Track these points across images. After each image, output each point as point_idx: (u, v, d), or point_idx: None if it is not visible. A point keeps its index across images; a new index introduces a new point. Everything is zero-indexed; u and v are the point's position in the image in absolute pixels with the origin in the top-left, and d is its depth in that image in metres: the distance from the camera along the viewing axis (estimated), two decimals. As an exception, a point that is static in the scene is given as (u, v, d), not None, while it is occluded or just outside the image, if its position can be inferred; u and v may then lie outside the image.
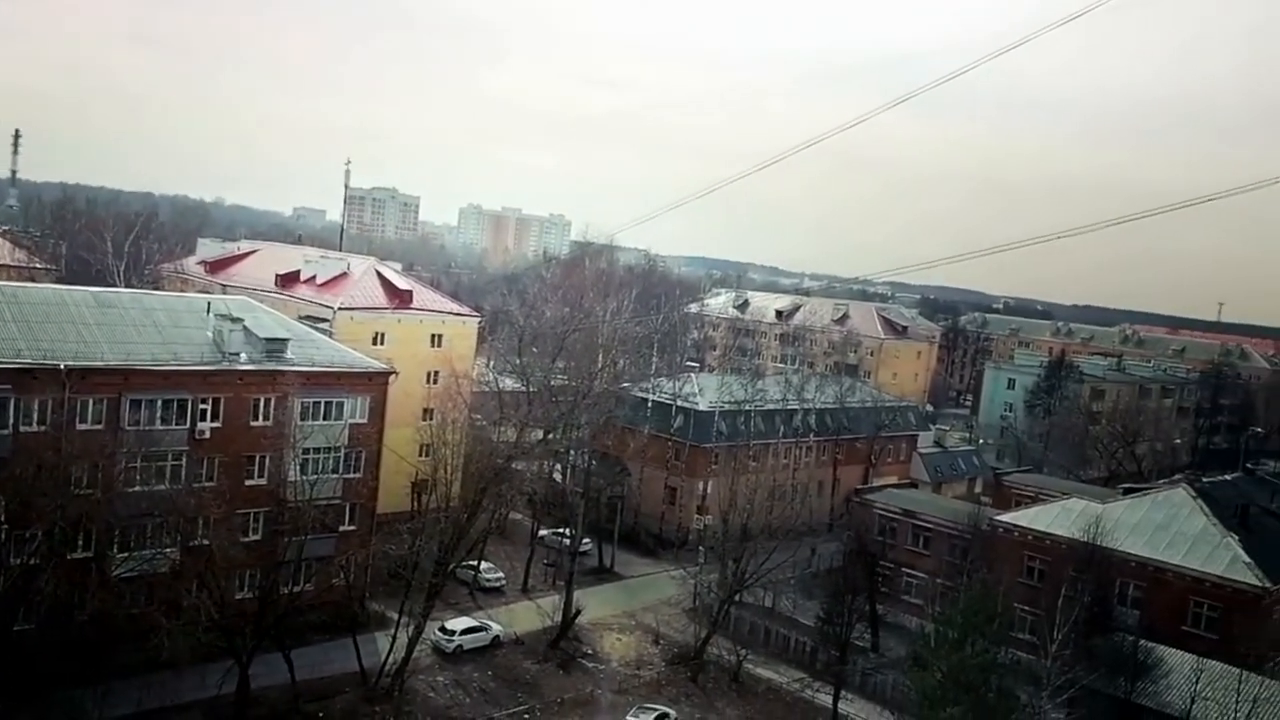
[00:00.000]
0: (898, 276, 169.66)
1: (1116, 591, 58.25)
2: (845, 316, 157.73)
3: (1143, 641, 52.72)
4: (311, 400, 54.98)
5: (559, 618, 62.05)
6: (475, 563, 66.16)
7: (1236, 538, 59.78)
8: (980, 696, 40.55)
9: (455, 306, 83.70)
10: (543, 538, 73.78)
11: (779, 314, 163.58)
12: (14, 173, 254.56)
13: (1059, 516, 63.75)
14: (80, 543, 46.60)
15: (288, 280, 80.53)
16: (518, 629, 61.89)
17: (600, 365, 73.48)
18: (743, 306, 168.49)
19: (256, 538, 52.92)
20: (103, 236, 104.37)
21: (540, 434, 71.09)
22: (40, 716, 42.89)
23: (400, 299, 77.54)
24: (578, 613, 62.45)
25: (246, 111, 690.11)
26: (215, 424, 52.03)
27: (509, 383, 76.57)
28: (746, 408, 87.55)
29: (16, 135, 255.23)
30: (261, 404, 53.77)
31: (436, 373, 73.04)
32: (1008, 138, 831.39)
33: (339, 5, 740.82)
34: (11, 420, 45.48)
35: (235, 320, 54.84)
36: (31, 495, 42.09)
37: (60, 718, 43.36)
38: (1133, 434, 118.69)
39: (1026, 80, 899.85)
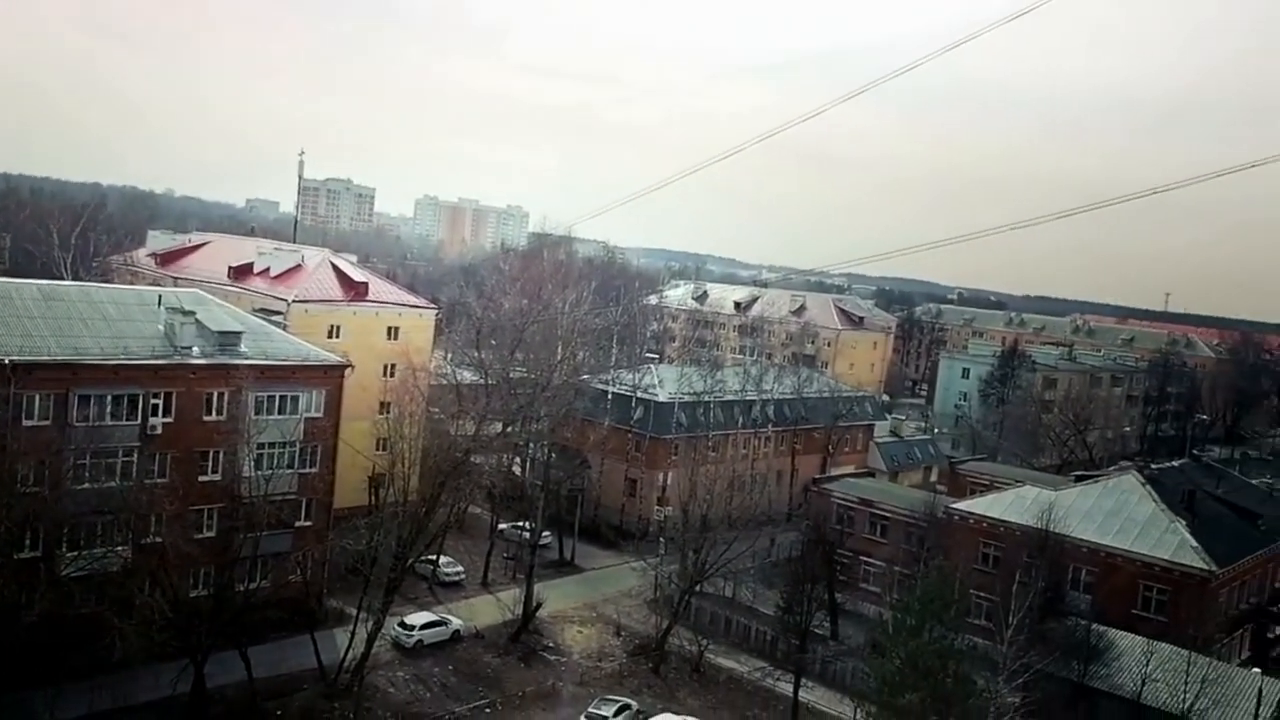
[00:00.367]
0: (854, 268, 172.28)
1: (1069, 577, 59.22)
2: (803, 308, 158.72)
3: (1095, 625, 53.71)
4: (266, 394, 54.36)
5: (519, 611, 61.90)
6: (434, 557, 65.84)
7: (1184, 523, 61.05)
8: (938, 682, 40.97)
9: (412, 298, 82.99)
10: (502, 531, 73.51)
11: (737, 305, 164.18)
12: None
13: (1013, 504, 64.64)
14: (28, 542, 45.64)
15: (241, 273, 79.39)
16: (478, 623, 61.65)
17: (559, 357, 73.23)
18: (701, 298, 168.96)
19: (211, 534, 52.22)
20: (48, 228, 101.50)
21: (499, 427, 70.79)
22: (-12, 719, 42.10)
23: (355, 291, 76.74)
24: (538, 606, 62.33)
25: (197, 102, 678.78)
26: (167, 419, 51.19)
27: (467, 375, 76.10)
28: (706, 399, 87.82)
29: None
30: (215, 398, 53.00)
31: (393, 365, 72.42)
32: (964, 132, 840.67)
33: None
34: (-45, 417, 44.35)
35: (187, 313, 54.02)
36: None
37: (9, 721, 42.57)
38: (1084, 422, 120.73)
39: (982, 75, 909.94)
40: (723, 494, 65.07)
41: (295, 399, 55.80)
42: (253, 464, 51.31)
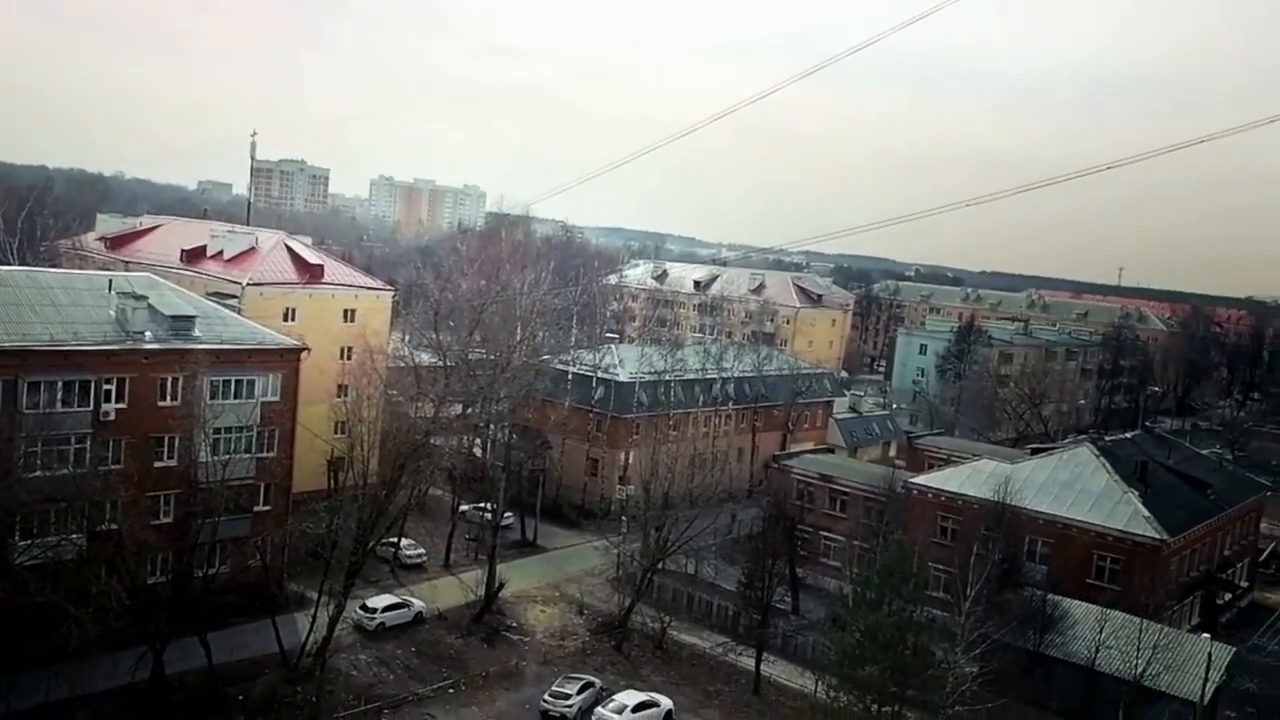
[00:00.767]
0: (812, 246, 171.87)
1: (1025, 548, 60.22)
2: (762, 286, 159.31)
3: (1050, 595, 54.78)
4: (221, 379, 53.77)
5: (482, 592, 61.84)
6: (395, 540, 65.49)
7: (1136, 493, 62.25)
8: (897, 654, 41.61)
9: (368, 280, 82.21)
10: (464, 513, 73.31)
11: (697, 284, 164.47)
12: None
13: (970, 477, 65.53)
14: (-21, 531, 44.82)
15: (194, 256, 78.15)
16: (440, 604, 61.53)
17: (519, 338, 72.93)
18: (661, 277, 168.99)
19: (168, 520, 51.62)
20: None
21: (459, 408, 70.43)
22: (-58, 712, 41.45)
23: (311, 274, 75.86)
24: (501, 586, 62.33)
25: (147, 84, 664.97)
26: (120, 405, 50.46)
27: (425, 357, 75.62)
28: (666, 378, 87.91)
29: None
30: (169, 384, 52.26)
31: (350, 348, 71.71)
32: (920, 109, 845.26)
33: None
34: (-100, 406, 43.44)
35: (139, 298, 53.19)
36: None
37: (-37, 712, 41.95)
38: (1039, 396, 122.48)
39: (938, 53, 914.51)
40: (684, 472, 65.37)
41: (251, 383, 55.24)
42: (209, 449, 50.76)
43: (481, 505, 72.40)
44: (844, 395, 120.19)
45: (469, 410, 72.00)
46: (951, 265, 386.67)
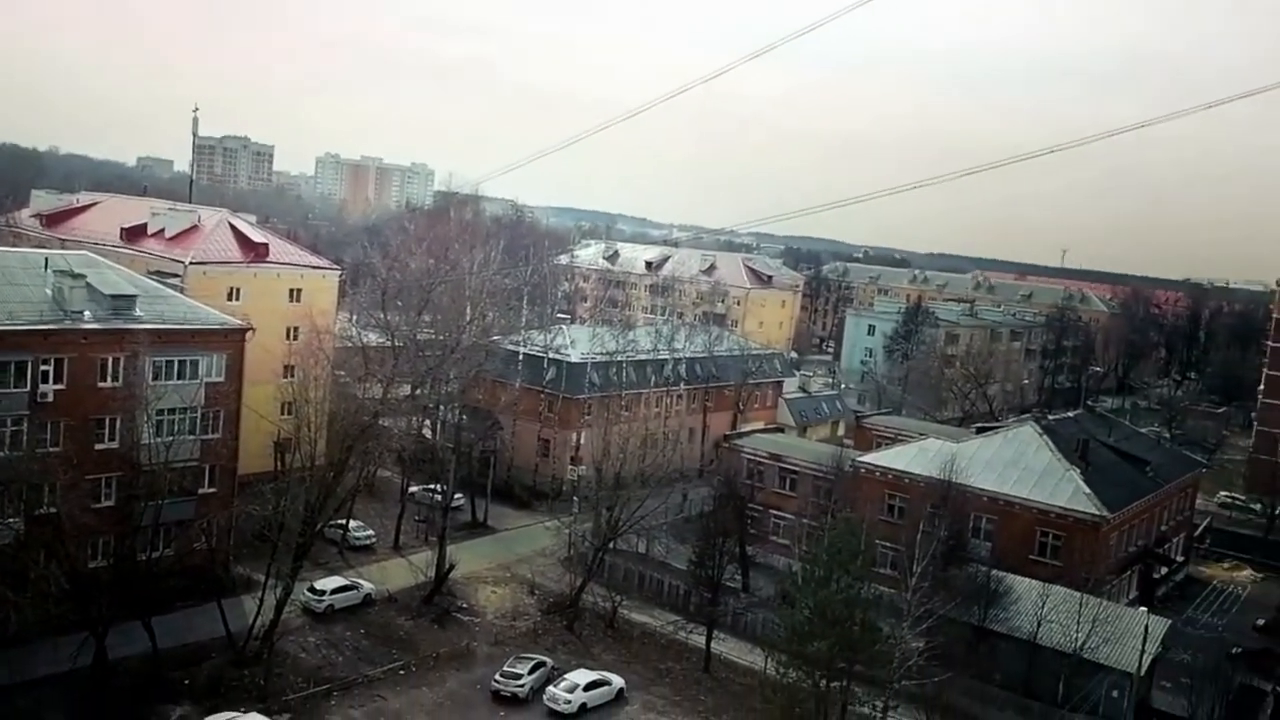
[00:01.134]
0: (763, 227, 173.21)
1: (970, 525, 61.25)
2: (713, 267, 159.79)
3: (994, 571, 55.80)
4: (164, 359, 52.79)
5: (432, 573, 61.57)
6: (344, 521, 64.94)
7: (1078, 471, 63.54)
8: (845, 630, 42.10)
9: (314, 259, 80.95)
10: (413, 494, 72.82)
11: (648, 265, 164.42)
12: None
13: (917, 456, 66.43)
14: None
15: (134, 234, 76.37)
16: (390, 586, 61.15)
17: (468, 318, 72.45)
18: (612, 258, 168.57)
19: (110, 504, 50.65)
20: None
21: (407, 389, 69.79)
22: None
23: (256, 252, 74.55)
24: (451, 567, 62.07)
25: (83, 57, 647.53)
26: (59, 386, 49.32)
27: (373, 337, 74.79)
28: (618, 358, 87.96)
29: None
30: (110, 364, 51.21)
31: (297, 328, 70.71)
32: (869, 92, 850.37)
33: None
34: None
35: (77, 276, 51.93)
36: None
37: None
38: (984, 376, 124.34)
39: (888, 36, 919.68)
40: (635, 452, 65.51)
41: (195, 364, 54.31)
42: (152, 431, 49.89)
43: (431, 486, 71.99)
44: (794, 375, 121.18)
45: (418, 391, 71.35)
46: (900, 247, 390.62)
